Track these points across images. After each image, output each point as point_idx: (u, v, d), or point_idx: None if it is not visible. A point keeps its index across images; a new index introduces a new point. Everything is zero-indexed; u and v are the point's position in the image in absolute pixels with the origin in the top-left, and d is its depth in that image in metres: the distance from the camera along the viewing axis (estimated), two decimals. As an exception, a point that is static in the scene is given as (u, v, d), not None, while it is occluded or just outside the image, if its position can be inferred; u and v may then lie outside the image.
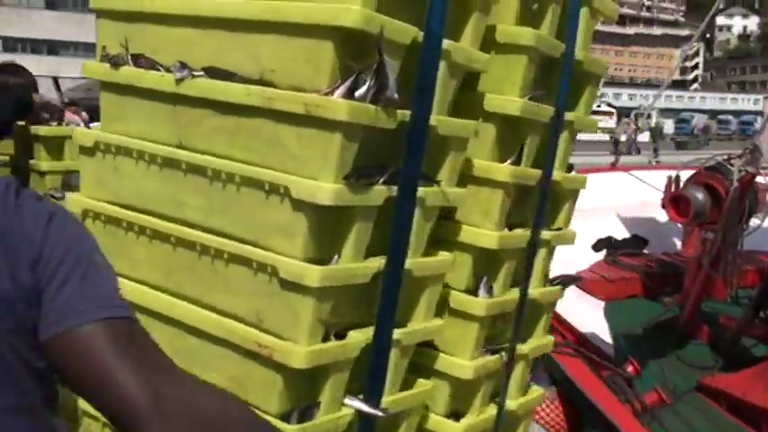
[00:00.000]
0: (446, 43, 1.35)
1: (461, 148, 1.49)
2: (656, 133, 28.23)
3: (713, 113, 58.25)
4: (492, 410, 1.74)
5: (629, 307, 4.55)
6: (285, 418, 1.26)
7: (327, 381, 1.30)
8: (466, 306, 1.59)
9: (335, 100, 1.19)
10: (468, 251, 1.59)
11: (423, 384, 1.57)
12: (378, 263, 1.33)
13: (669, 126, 41.46)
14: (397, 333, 1.42)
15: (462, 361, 1.61)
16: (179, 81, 1.36)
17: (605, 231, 4.97)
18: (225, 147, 1.33)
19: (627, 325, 4.46)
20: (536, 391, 1.94)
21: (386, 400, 1.44)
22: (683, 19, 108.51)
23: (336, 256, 1.27)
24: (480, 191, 1.58)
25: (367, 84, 1.21)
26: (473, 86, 1.59)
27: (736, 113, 57.64)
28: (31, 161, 2.73)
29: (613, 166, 7.20)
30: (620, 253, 4.72)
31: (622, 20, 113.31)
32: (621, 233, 5.14)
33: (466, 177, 1.57)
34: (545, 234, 1.77)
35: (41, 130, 2.74)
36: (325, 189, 1.20)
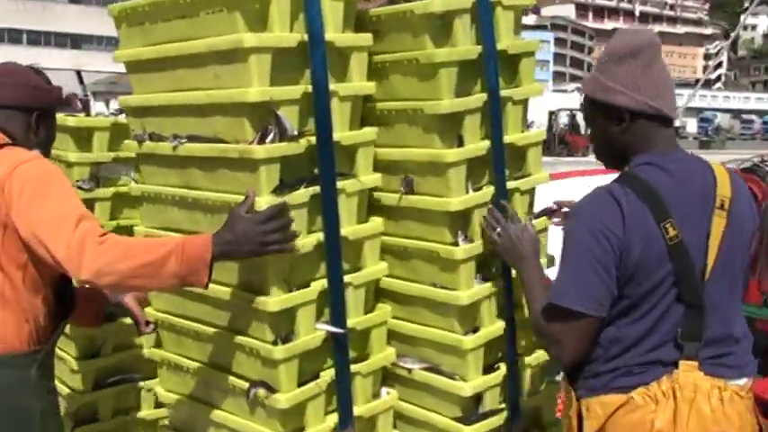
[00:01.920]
0: (334, 85, 2.06)
1: (368, 149, 2.19)
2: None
3: (737, 113, 53.00)
4: (501, 323, 2.30)
5: None
6: (275, 343, 2.05)
7: (299, 315, 2.07)
8: (449, 254, 2.19)
9: (254, 147, 1.94)
10: (442, 215, 2.20)
11: (381, 308, 2.30)
12: (316, 236, 2.08)
13: (692, 125, 38.32)
14: (348, 278, 2.16)
15: (457, 293, 2.19)
16: (174, 147, 2.15)
17: None
18: (207, 183, 2.12)
19: None
20: None
21: (352, 321, 2.19)
22: (706, 17, 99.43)
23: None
24: (438, 170, 2.18)
25: (272, 132, 1.95)
26: (405, 95, 2.22)
27: (761, 113, 52.59)
28: (59, 152, 2.69)
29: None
30: None
31: (645, 18, 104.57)
32: None
33: (428, 163, 2.20)
34: (513, 183, 2.31)
35: (69, 120, 2.68)
36: (260, 202, 1.95)
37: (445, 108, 2.14)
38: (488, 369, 2.31)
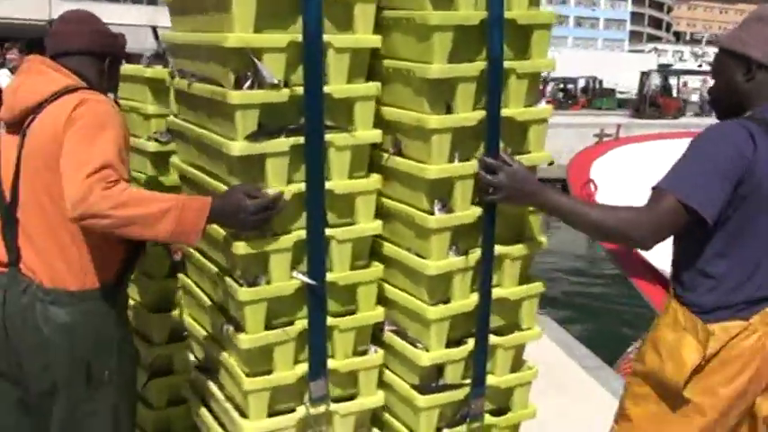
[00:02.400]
0: (329, 36, 2.03)
1: (367, 104, 2.14)
2: None
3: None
4: (474, 297, 2.24)
5: None
6: (240, 285, 2.10)
7: (272, 261, 2.11)
8: (423, 222, 2.14)
9: (229, 92, 1.97)
10: (422, 181, 2.14)
11: (374, 266, 2.27)
12: (297, 186, 2.09)
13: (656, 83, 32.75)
14: (331, 231, 2.16)
15: (426, 262, 2.16)
16: (188, 84, 2.25)
17: None
18: (209, 122, 2.20)
19: None
20: (536, 280, 2.38)
21: (334, 276, 2.20)
22: None
23: (261, 185, 2.05)
24: (422, 135, 2.12)
25: (250, 79, 1.97)
26: (403, 55, 2.16)
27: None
28: (137, 104, 2.73)
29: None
30: None
31: None
32: None
33: (414, 127, 2.13)
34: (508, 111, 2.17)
35: (147, 71, 2.69)
36: (234, 146, 1.99)
37: (434, 73, 2.05)
38: (455, 343, 2.23)
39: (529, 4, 2.17)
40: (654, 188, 1.98)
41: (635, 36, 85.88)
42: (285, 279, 2.13)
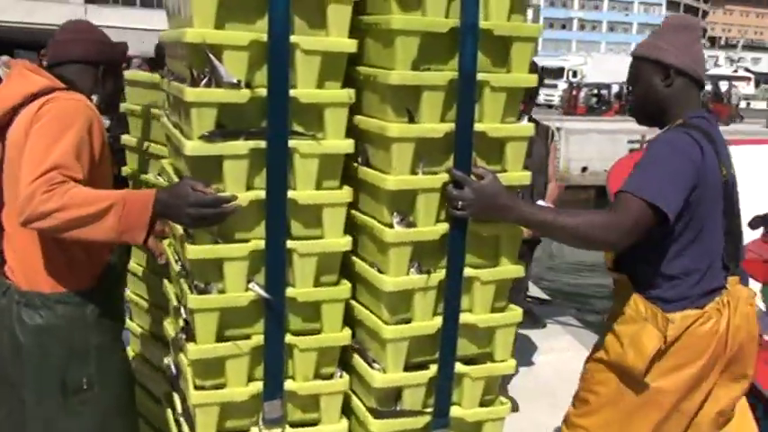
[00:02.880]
0: (296, 38, 1.93)
1: (338, 110, 2.01)
2: None
3: None
4: (438, 320, 2.12)
5: None
6: (191, 291, 2.01)
7: (226, 270, 2.00)
8: (380, 235, 2.03)
9: (185, 88, 1.90)
10: (381, 192, 2.04)
11: (342, 284, 2.13)
12: (255, 194, 1.98)
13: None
14: (293, 243, 2.04)
15: (384, 277, 2.04)
16: (168, 83, 2.20)
17: (763, 208, 4.57)
18: (179, 122, 2.13)
19: None
20: (513, 310, 2.23)
21: (294, 291, 2.07)
22: None
23: (214, 187, 1.95)
24: (383, 144, 2.02)
25: (206, 77, 1.89)
26: (372, 60, 2.08)
27: None
28: (157, 110, 2.70)
29: None
30: None
31: None
32: None
33: (374, 135, 2.04)
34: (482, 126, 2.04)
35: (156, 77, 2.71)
36: (187, 145, 1.91)
37: (394, 80, 1.93)
38: (416, 366, 2.09)
39: (509, 13, 2.03)
40: (619, 192, 2.08)
41: None
42: (240, 290, 2.03)
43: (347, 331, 2.15)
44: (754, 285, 4.31)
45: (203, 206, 1.85)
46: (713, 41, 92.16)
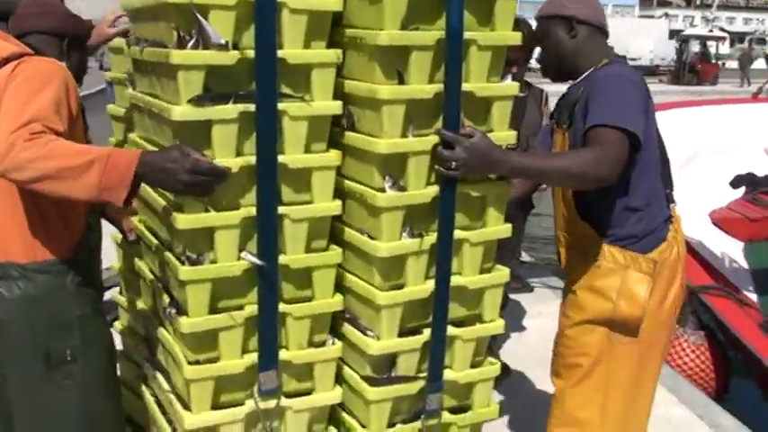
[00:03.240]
0: (282, -4, 1.88)
1: (326, 71, 1.98)
2: (745, 61, 26.61)
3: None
4: (430, 284, 2.11)
5: None
6: (182, 263, 1.94)
7: (217, 239, 1.94)
8: (373, 200, 2.01)
9: (171, 51, 1.82)
10: (371, 156, 2.01)
11: (332, 249, 2.10)
12: (245, 159, 1.93)
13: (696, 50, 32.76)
14: (284, 209, 1.99)
15: (377, 243, 2.02)
16: (140, 50, 2.10)
17: (745, 167, 4.70)
18: (158, 88, 2.05)
19: None
20: (499, 269, 2.25)
21: (286, 258, 2.03)
22: None
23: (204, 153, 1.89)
24: (374, 107, 1.98)
25: (194, 38, 1.82)
26: (358, 21, 2.04)
27: None
28: None
29: (755, 98, 6.24)
30: (760, 190, 4.45)
31: None
32: (763, 169, 4.76)
33: (366, 99, 2.00)
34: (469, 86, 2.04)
35: None
36: (175, 111, 1.84)
37: (383, 40, 1.90)
38: (410, 332, 2.07)
39: None
40: (594, 127, 2.11)
41: (645, 1, 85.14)
42: (232, 259, 1.97)
43: (339, 297, 2.13)
44: (736, 243, 4.49)
45: (199, 173, 1.78)
46: (689, 1, 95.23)
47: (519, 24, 2.95)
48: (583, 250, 2.35)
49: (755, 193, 4.38)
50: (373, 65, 1.96)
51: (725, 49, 38.35)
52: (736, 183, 4.46)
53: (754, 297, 4.23)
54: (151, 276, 2.26)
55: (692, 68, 28.78)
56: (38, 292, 1.97)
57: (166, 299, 2.08)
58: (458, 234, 2.13)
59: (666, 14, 57.24)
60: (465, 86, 2.04)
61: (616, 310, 2.26)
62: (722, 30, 47.58)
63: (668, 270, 2.31)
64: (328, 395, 2.17)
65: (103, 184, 1.74)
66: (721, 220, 4.10)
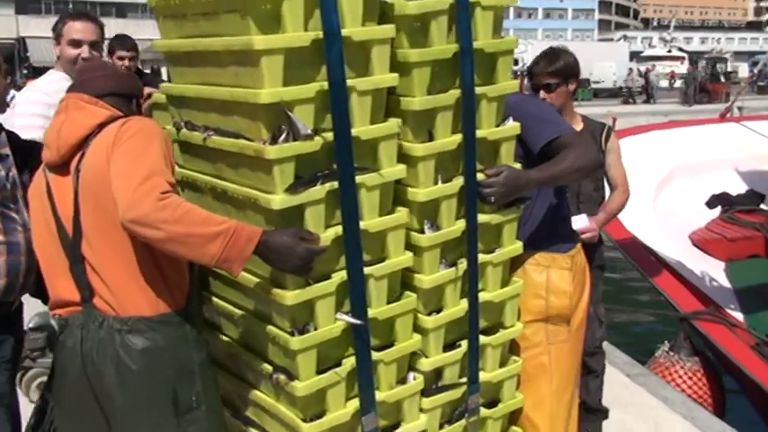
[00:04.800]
0: (352, 81, 2.06)
1: (390, 142, 2.18)
2: (690, 81, 27.96)
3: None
4: (464, 303, 2.42)
5: (755, 268, 4.39)
6: (291, 333, 2.12)
7: (318, 307, 2.13)
8: (416, 241, 2.29)
9: (265, 147, 1.98)
10: (413, 204, 2.28)
11: (407, 296, 2.33)
12: (334, 230, 2.12)
13: (744, 70, 35.86)
14: (369, 269, 2.20)
15: (421, 276, 2.31)
16: (204, 139, 2.23)
17: (718, 187, 4.82)
18: (232, 174, 2.19)
19: (757, 286, 4.36)
20: (515, 282, 2.57)
21: (375, 311, 2.24)
22: None
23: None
24: (410, 163, 2.24)
25: (285, 133, 1.98)
26: (398, 89, 2.23)
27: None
28: None
29: (722, 117, 6.59)
30: (736, 209, 4.59)
31: None
32: (736, 188, 4.92)
33: (403, 156, 2.24)
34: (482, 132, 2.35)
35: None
36: (275, 200, 2.00)
37: (416, 105, 2.18)
38: (450, 346, 2.43)
39: (493, 32, 2.33)
40: (555, 140, 2.48)
41: (604, 24, 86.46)
42: (330, 322, 2.16)
43: (417, 337, 2.36)
44: (716, 263, 4.57)
45: (311, 259, 1.96)
46: (646, 23, 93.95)
47: (560, 54, 3.27)
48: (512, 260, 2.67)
49: (732, 212, 4.54)
50: (407, 126, 2.23)
51: (684, 68, 39.31)
52: (711, 203, 4.65)
53: (740, 316, 4.35)
54: (234, 346, 2.40)
55: (703, 88, 29.56)
56: (164, 343, 2.05)
57: (267, 367, 2.24)
58: (482, 258, 2.44)
59: (625, 37, 58.14)
60: (479, 133, 2.34)
61: (549, 305, 2.62)
62: (680, 50, 48.74)
63: (581, 274, 2.70)
64: (415, 424, 2.40)
65: (223, 256, 1.89)
66: (701, 242, 4.28)
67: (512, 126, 2.41)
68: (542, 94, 3.32)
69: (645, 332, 7.24)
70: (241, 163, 2.13)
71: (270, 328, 2.18)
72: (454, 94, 2.26)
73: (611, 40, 54.42)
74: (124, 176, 1.91)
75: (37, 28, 34.62)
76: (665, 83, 37.16)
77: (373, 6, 2.13)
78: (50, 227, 2.10)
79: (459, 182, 2.32)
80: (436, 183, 2.29)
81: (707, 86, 29.92)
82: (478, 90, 2.30)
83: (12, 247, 2.45)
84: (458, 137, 2.30)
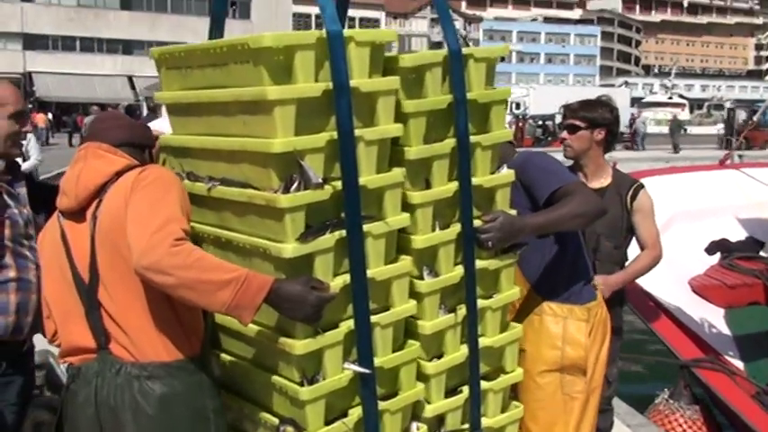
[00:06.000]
0: (360, 131, 2.10)
1: (396, 191, 2.22)
2: (674, 128, 27.95)
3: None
4: (464, 349, 2.44)
5: (755, 315, 4.42)
6: (301, 384, 2.09)
7: (326, 356, 2.11)
8: (416, 287, 2.31)
9: (277, 196, 1.99)
10: (412, 251, 2.30)
11: (411, 344, 2.34)
12: (342, 279, 2.12)
13: (742, 118, 37.59)
14: (375, 318, 2.20)
15: (422, 322, 2.33)
16: (208, 189, 2.22)
17: (718, 233, 4.79)
18: (237, 224, 2.18)
19: (757, 334, 4.40)
20: (514, 327, 2.60)
21: (380, 360, 2.23)
22: (757, 6, 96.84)
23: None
24: (408, 209, 2.27)
25: (296, 182, 2.00)
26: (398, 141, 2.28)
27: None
28: None
29: (722, 164, 6.53)
30: (735, 256, 4.56)
31: (694, 9, 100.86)
32: (735, 235, 4.91)
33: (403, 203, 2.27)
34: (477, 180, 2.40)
35: None
36: (286, 249, 2.00)
37: (413, 154, 2.23)
38: (451, 392, 2.44)
39: (486, 83, 2.41)
40: (558, 190, 2.54)
41: (605, 70, 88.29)
42: (338, 371, 2.15)
43: (421, 385, 2.36)
44: (716, 310, 4.51)
45: (322, 307, 1.96)
46: (647, 70, 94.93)
47: (597, 103, 3.39)
48: (526, 310, 2.74)
49: (731, 259, 4.50)
50: (406, 174, 2.25)
51: (685, 115, 39.55)
52: (710, 249, 4.63)
53: (739, 364, 4.37)
54: (235, 398, 2.35)
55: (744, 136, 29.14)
56: (181, 389, 2.03)
57: (272, 418, 2.20)
58: (481, 303, 2.47)
59: (626, 83, 59.32)
60: (474, 181, 2.39)
61: (564, 356, 2.66)
62: (681, 96, 49.68)
63: (601, 327, 2.72)
64: (418, 471, 2.39)
65: (234, 303, 1.89)
66: (700, 288, 4.18)
67: (506, 173, 2.47)
68: (564, 133, 3.40)
69: (644, 379, 7.20)
70: (248, 212, 2.13)
71: (276, 378, 2.15)
72: (449, 142, 2.31)
73: (613, 85, 55.66)
74: (140, 223, 1.92)
75: (43, 63, 35.30)
76: (656, 129, 36.80)
77: (379, 58, 2.18)
78: (65, 273, 2.09)
79: (456, 228, 2.35)
80: (434, 229, 2.32)
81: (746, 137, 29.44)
82: (473, 139, 2.35)
83: (23, 284, 2.41)
84: (454, 184, 2.34)
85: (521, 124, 30.49)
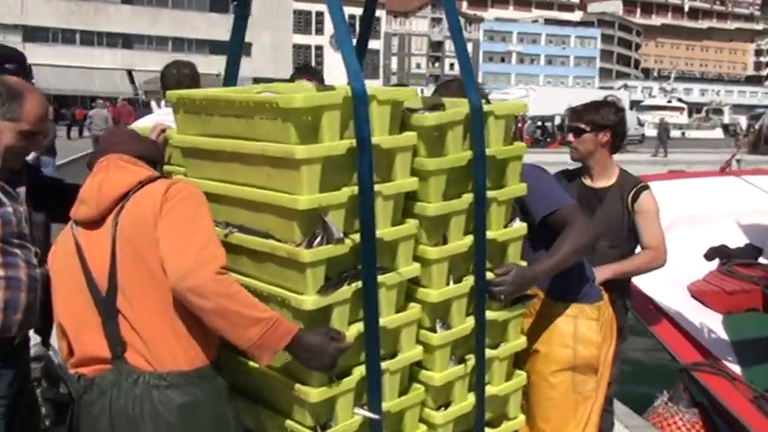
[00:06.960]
0: (378, 186, 2.17)
1: (409, 242, 2.29)
2: (662, 132, 28.00)
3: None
4: (471, 398, 2.50)
5: (753, 321, 4.47)
6: (314, 430, 2.17)
7: (339, 402, 2.19)
8: (428, 339, 2.39)
9: (301, 250, 2.06)
10: (426, 303, 2.37)
11: (416, 389, 2.42)
12: (357, 327, 2.20)
13: (742, 123, 36.70)
14: (385, 364, 2.28)
15: (432, 374, 2.41)
16: (226, 235, 2.28)
17: (717, 240, 4.82)
18: (253, 270, 2.24)
19: (754, 340, 4.45)
20: (519, 375, 2.68)
21: (388, 404, 2.31)
22: (758, 12, 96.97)
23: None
24: (424, 263, 2.34)
25: (319, 237, 2.07)
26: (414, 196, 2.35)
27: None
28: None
29: (723, 171, 6.57)
30: (734, 262, 4.59)
31: (695, 13, 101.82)
32: (734, 241, 4.94)
33: (416, 256, 2.34)
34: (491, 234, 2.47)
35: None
36: (307, 302, 2.07)
37: (432, 211, 2.31)
38: None
39: (504, 139, 2.49)
40: (554, 213, 2.64)
41: (604, 73, 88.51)
42: (349, 417, 2.23)
43: (423, 427, 2.44)
44: (714, 315, 4.55)
45: (338, 357, 2.04)
46: (647, 73, 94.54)
47: (603, 105, 3.49)
48: (537, 311, 2.82)
49: (730, 265, 4.54)
50: (422, 229, 2.34)
51: (684, 119, 39.10)
52: (709, 255, 4.64)
53: (737, 369, 4.39)
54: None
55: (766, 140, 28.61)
56: (202, 397, 2.07)
57: (282, 459, 2.27)
58: (488, 353, 2.54)
59: (626, 86, 59.13)
60: (489, 235, 2.46)
61: (576, 355, 2.73)
62: (680, 100, 49.36)
63: (609, 326, 2.81)
64: None
65: (259, 342, 1.97)
66: (699, 293, 4.24)
67: (519, 227, 2.55)
68: (570, 136, 3.47)
69: (643, 381, 7.03)
70: (267, 260, 2.20)
71: (289, 423, 2.22)
72: (467, 198, 2.38)
73: (612, 88, 55.44)
74: (178, 242, 1.98)
75: (42, 56, 35.11)
76: (653, 132, 35.87)
77: (397, 116, 2.25)
78: (80, 283, 2.10)
79: (469, 281, 2.43)
80: (448, 283, 2.39)
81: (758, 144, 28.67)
82: (489, 194, 2.43)
83: (11, 282, 2.38)
84: (469, 239, 2.41)
85: (519, 125, 30.11)
